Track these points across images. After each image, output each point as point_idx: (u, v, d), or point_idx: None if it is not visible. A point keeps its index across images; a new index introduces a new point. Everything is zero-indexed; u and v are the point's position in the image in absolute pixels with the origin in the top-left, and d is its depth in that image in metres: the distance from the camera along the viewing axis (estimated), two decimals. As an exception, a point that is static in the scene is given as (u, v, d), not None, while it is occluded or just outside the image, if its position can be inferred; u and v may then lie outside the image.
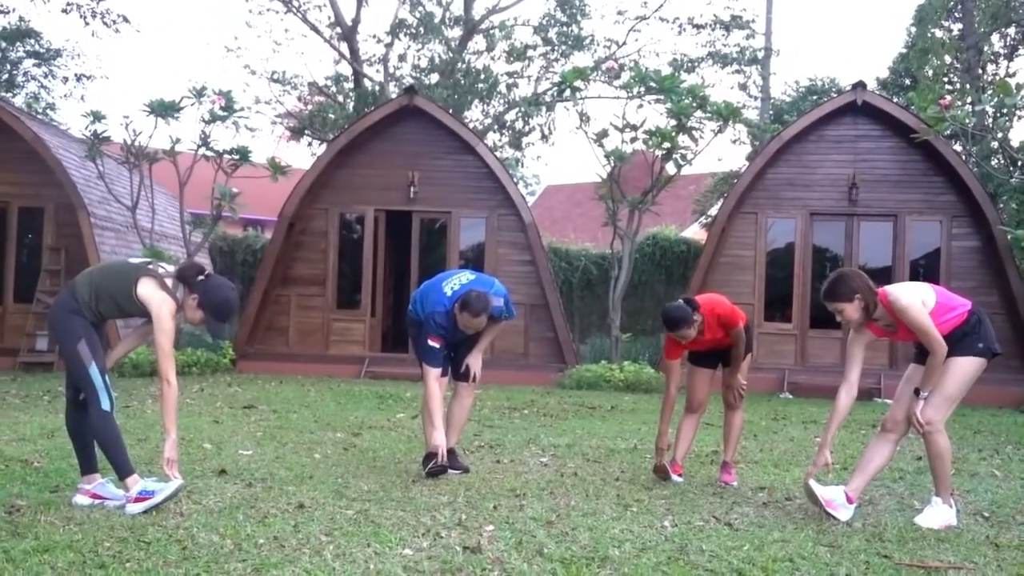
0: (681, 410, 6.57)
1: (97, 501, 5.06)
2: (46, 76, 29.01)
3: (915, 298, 5.18)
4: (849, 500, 5.24)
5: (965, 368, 5.22)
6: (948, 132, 14.06)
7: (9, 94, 27.14)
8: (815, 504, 5.23)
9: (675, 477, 6.35)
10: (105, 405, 5.01)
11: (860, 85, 14.82)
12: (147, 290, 5.07)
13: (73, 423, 5.24)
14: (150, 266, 5.17)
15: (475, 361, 6.48)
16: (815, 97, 25.81)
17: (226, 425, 8.49)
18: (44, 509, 4.89)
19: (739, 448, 7.67)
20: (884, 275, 14.16)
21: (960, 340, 5.22)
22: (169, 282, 5.12)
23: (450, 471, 6.25)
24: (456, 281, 6.29)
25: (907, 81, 26.07)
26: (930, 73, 24.10)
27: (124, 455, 5.05)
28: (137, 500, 4.89)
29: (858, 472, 5.39)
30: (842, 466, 7.15)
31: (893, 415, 5.38)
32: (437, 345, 6.17)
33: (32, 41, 28.06)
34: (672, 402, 6.35)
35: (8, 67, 28.38)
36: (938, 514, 5.20)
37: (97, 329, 5.14)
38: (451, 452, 6.35)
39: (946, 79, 25.26)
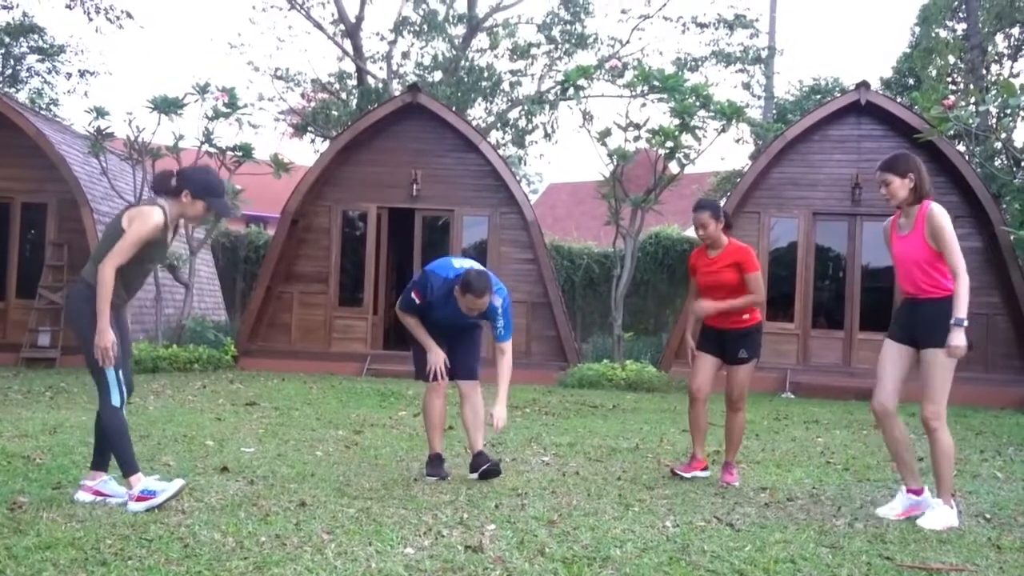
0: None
1: (99, 498, 5.06)
2: (49, 72, 29.05)
3: (949, 220, 5.28)
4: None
5: (943, 359, 5.23)
6: (951, 132, 14.01)
7: (13, 90, 27.16)
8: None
9: (699, 472, 6.39)
10: (115, 400, 5.00)
11: (863, 85, 14.80)
12: (130, 211, 5.02)
13: (97, 419, 5.21)
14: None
15: (500, 410, 6.11)
16: (818, 96, 25.80)
17: (228, 422, 8.49)
18: (46, 506, 4.89)
19: (741, 448, 7.68)
20: (887, 275, 14.16)
21: (932, 329, 5.23)
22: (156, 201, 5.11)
23: (483, 470, 6.12)
24: (465, 262, 6.20)
25: (911, 81, 26.07)
26: (934, 73, 24.10)
27: (130, 452, 5.04)
28: (139, 499, 4.89)
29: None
30: (843, 467, 7.15)
31: (881, 402, 5.43)
32: (418, 301, 6.06)
33: (36, 37, 28.07)
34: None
35: (12, 63, 28.39)
36: (940, 515, 5.20)
37: (117, 319, 5.09)
38: (480, 453, 6.26)
39: (950, 79, 25.26)
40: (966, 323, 5.19)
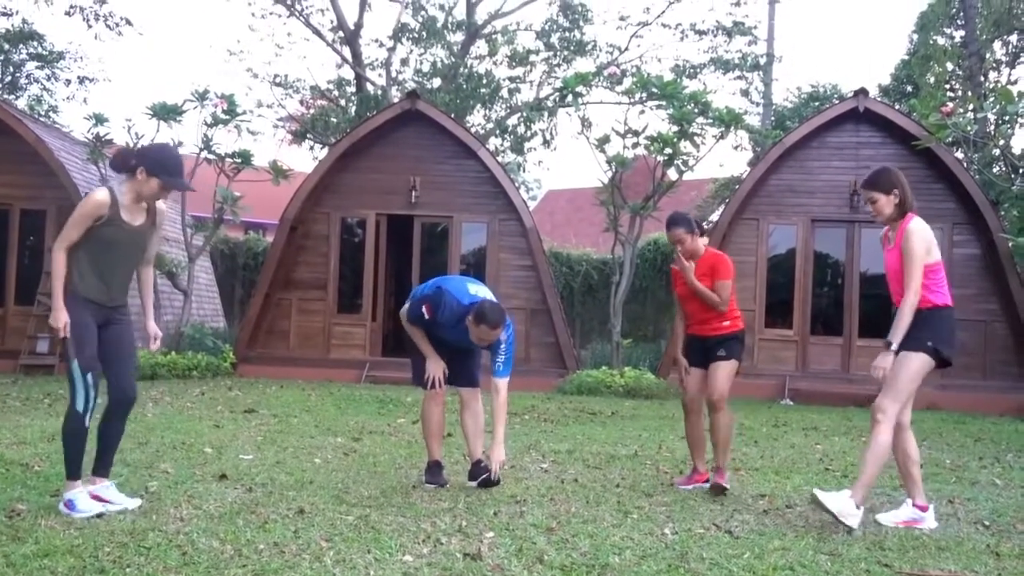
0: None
1: (96, 506, 5.01)
2: (49, 79, 29.11)
3: (925, 241, 5.24)
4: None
5: (912, 363, 5.24)
6: (950, 139, 14.06)
7: (12, 96, 27.19)
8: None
9: (700, 485, 6.37)
10: (79, 405, 4.95)
11: (862, 92, 14.84)
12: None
13: (103, 427, 5.19)
14: None
15: (498, 452, 6.09)
16: (817, 103, 25.85)
17: (227, 429, 8.48)
18: (44, 513, 4.88)
19: (740, 455, 7.68)
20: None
21: (913, 328, 5.25)
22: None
23: (482, 479, 6.10)
24: (480, 288, 6.16)
25: (909, 88, 26.10)
26: (932, 80, 24.13)
27: (75, 459, 5.01)
28: (66, 505, 4.92)
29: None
30: (843, 473, 7.15)
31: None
32: (427, 316, 6.00)
33: (35, 43, 28.13)
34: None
35: (11, 69, 28.43)
36: (841, 500, 5.11)
37: (106, 323, 5.06)
38: (479, 461, 6.23)
39: (948, 86, 25.29)
40: (895, 347, 5.23)
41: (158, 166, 4.98)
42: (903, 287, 5.30)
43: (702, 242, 6.49)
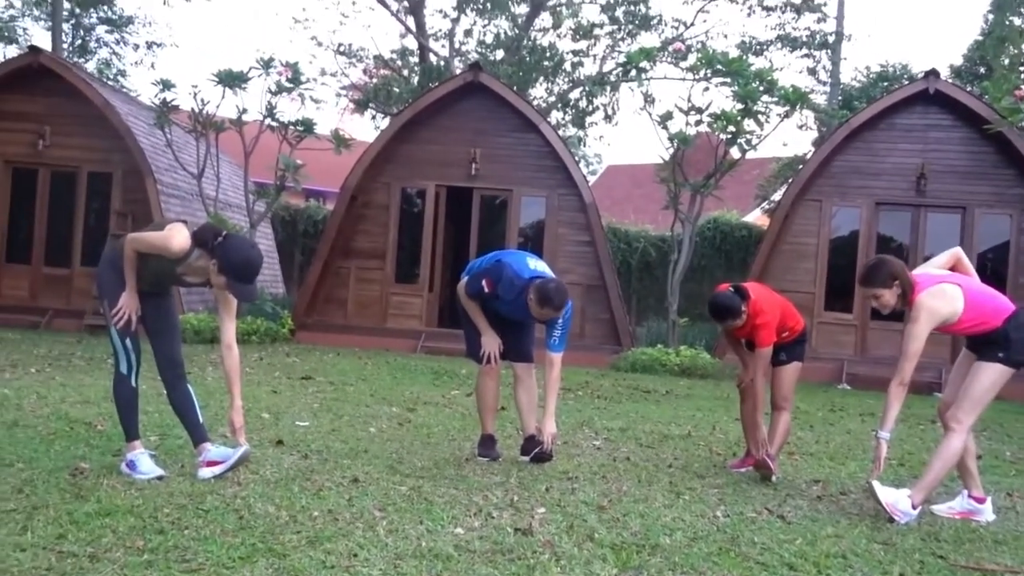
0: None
1: (217, 468, 5.04)
2: (118, 43, 29.55)
3: (933, 317, 5.07)
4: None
5: (988, 374, 5.14)
6: (1022, 123, 13.73)
7: (81, 59, 27.61)
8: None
9: (747, 469, 6.30)
10: (123, 368, 5.07)
11: (933, 73, 14.54)
12: (176, 224, 4.92)
13: (170, 400, 5.28)
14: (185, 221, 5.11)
15: (549, 424, 6.10)
16: (886, 84, 25.35)
17: (284, 395, 8.60)
18: (107, 473, 5.00)
19: (795, 439, 7.62)
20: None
21: (983, 347, 5.20)
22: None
23: (534, 453, 6.11)
24: (539, 263, 6.11)
25: (982, 70, 25.50)
26: (1006, 62, 23.54)
27: (130, 421, 5.10)
28: (127, 466, 5.02)
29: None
30: (899, 462, 7.07)
31: (945, 401, 5.38)
32: (487, 290, 5.96)
33: (105, 8, 28.50)
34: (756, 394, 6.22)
35: (81, 33, 28.86)
36: (898, 497, 5.06)
37: (144, 297, 5.10)
38: (533, 436, 6.22)
39: (1023, 68, 24.65)
40: (888, 437, 5.13)
41: (232, 269, 4.85)
42: (972, 324, 5.17)
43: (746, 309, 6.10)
